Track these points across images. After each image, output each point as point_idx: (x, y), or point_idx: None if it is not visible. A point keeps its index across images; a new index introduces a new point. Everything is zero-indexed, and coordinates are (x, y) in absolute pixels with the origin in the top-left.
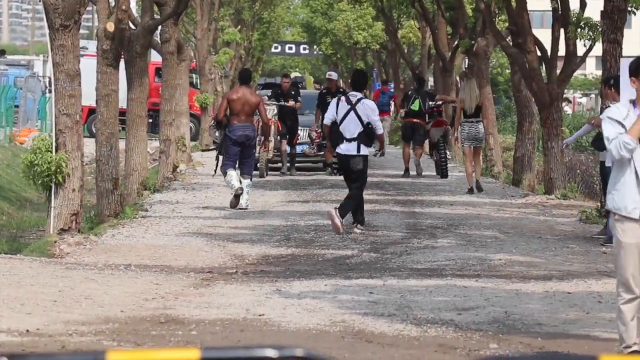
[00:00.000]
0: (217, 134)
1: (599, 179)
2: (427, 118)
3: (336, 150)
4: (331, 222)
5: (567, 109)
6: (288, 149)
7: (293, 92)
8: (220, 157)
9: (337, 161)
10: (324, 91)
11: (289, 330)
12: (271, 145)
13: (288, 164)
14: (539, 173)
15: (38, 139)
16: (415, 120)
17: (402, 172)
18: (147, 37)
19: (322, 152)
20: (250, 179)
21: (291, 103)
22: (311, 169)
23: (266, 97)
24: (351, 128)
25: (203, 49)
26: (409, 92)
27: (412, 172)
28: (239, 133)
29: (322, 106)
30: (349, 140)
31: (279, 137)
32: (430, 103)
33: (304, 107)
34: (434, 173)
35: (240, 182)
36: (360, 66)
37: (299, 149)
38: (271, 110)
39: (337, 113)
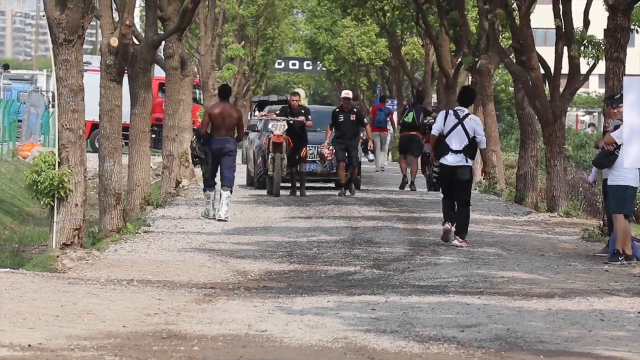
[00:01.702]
0: (197, 149)
1: (602, 197)
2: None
3: (441, 161)
4: (444, 235)
5: (589, 131)
6: (298, 167)
7: (303, 111)
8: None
9: (440, 172)
10: (337, 110)
11: (291, 346)
12: (283, 163)
13: (298, 184)
14: (542, 191)
15: (40, 156)
16: (411, 133)
17: (400, 184)
18: (150, 53)
19: (334, 171)
20: (230, 191)
21: (301, 118)
22: (322, 188)
23: (274, 114)
24: (457, 141)
25: (206, 65)
26: (406, 107)
27: (408, 180)
28: (219, 146)
29: (335, 124)
30: (455, 152)
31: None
32: (427, 119)
33: (315, 124)
34: (426, 190)
35: (214, 206)
36: (363, 82)
37: (309, 167)
38: (282, 127)
39: (444, 126)
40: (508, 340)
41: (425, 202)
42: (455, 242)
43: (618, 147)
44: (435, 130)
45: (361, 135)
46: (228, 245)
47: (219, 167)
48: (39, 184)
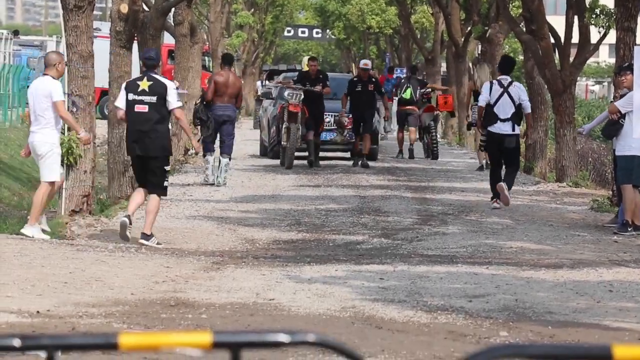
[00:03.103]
0: (200, 111)
1: (612, 167)
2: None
3: (489, 129)
4: (501, 194)
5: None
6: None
7: (321, 76)
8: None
9: (487, 139)
10: (354, 79)
11: (299, 315)
12: (299, 133)
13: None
14: (551, 161)
15: None
16: (408, 107)
17: (396, 155)
18: (160, 20)
19: (353, 140)
20: (229, 158)
21: (318, 88)
22: (336, 158)
23: (291, 82)
24: (505, 109)
25: (216, 32)
26: (402, 80)
27: (405, 156)
28: (220, 112)
29: (351, 94)
30: (503, 121)
31: (304, 127)
32: (421, 90)
33: (332, 92)
34: (424, 156)
35: (213, 172)
36: (372, 51)
37: (326, 136)
38: (297, 95)
39: (490, 95)
40: (516, 311)
41: (434, 172)
42: (496, 204)
43: (622, 115)
44: (482, 102)
45: (385, 111)
46: (236, 213)
47: (218, 133)
48: None
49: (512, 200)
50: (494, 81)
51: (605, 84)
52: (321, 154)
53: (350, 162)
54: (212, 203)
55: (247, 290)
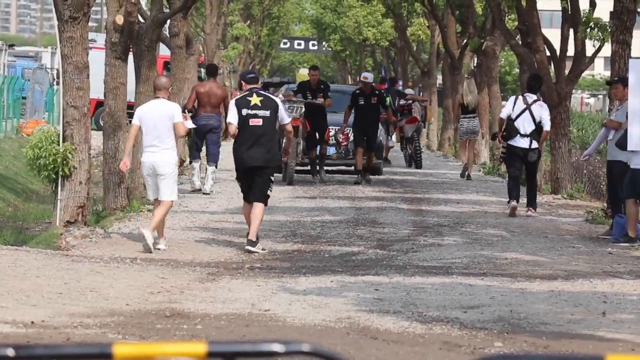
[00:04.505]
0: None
1: (605, 180)
2: (399, 115)
3: (509, 143)
4: (510, 211)
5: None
6: (318, 150)
7: (322, 87)
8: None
9: (509, 153)
10: (357, 92)
11: (295, 325)
12: (299, 148)
13: (318, 167)
14: (546, 173)
15: (40, 131)
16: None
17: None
18: (156, 31)
19: (350, 157)
20: (215, 166)
21: (320, 100)
22: (338, 172)
23: (291, 93)
24: (525, 125)
25: (212, 44)
26: (382, 91)
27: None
28: (203, 122)
29: (354, 107)
30: (523, 136)
31: (305, 142)
32: (402, 102)
33: (333, 104)
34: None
35: (200, 181)
36: (368, 63)
37: (328, 150)
38: (298, 109)
39: (512, 110)
40: (511, 322)
41: (430, 183)
42: (530, 213)
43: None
44: (503, 114)
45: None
46: (232, 224)
47: (204, 142)
48: (41, 159)
49: (506, 213)
50: (520, 97)
51: (601, 96)
52: (328, 169)
53: (350, 176)
54: (207, 214)
55: (242, 301)
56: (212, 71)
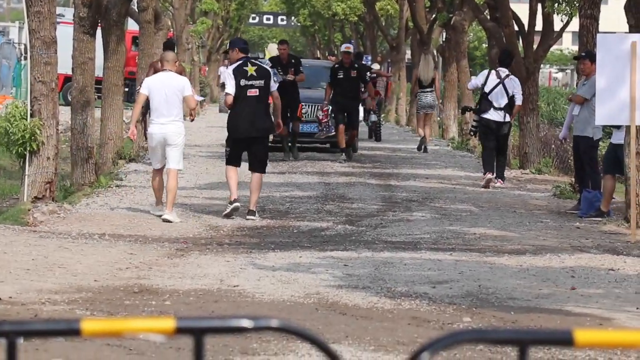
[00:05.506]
0: None
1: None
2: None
3: (482, 116)
4: (485, 182)
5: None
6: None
7: (293, 61)
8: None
9: (482, 126)
10: (336, 65)
11: (263, 301)
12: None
13: (290, 145)
14: (514, 147)
15: (12, 106)
16: None
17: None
18: (124, 5)
19: (332, 134)
20: None
21: (291, 76)
22: (318, 149)
23: None
24: (499, 99)
25: (180, 19)
26: (363, 64)
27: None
28: None
29: (334, 82)
30: (496, 109)
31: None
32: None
33: (307, 80)
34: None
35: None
36: (337, 38)
37: (306, 128)
38: None
39: (485, 83)
40: (479, 297)
41: (398, 158)
42: (498, 184)
43: None
44: (470, 85)
45: (368, 98)
46: (200, 200)
47: None
48: (10, 134)
49: (475, 187)
50: (492, 71)
51: (569, 71)
52: (300, 146)
53: (329, 153)
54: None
55: (211, 276)
56: (169, 46)
